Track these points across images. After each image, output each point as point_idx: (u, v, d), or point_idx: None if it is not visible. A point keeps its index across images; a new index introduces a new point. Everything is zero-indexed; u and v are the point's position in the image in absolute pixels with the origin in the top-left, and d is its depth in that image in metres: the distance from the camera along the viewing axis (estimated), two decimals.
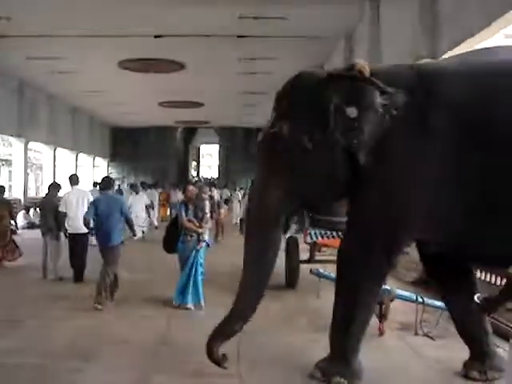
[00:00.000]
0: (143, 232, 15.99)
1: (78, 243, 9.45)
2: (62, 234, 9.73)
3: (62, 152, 26.61)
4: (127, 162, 36.16)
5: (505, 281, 6.68)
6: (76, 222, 9.22)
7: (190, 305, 7.51)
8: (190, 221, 7.66)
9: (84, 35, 14.41)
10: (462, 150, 4.33)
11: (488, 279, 7.58)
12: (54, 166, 25.10)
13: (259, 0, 12.26)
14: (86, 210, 8.66)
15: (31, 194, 22.67)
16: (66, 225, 9.51)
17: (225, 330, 4.62)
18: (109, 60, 17.62)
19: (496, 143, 4.28)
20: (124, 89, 22.31)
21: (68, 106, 26.75)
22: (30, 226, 18.73)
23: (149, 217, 17.77)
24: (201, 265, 7.63)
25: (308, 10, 12.68)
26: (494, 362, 5.01)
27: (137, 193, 16.61)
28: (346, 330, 4.74)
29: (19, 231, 12.07)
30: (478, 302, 6.86)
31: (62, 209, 9.42)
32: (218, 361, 4.52)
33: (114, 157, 36.31)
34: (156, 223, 19.25)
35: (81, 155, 29.44)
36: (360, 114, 4.41)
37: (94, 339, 6.07)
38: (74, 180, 10.04)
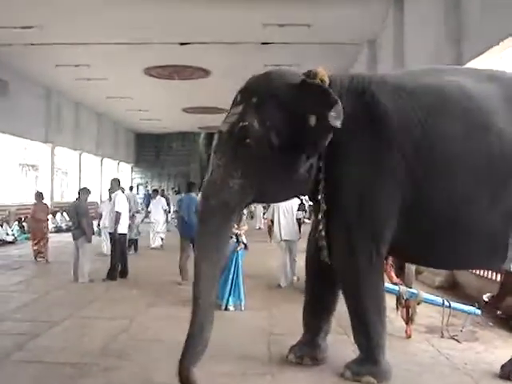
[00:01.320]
0: (162, 239, 15.22)
1: (122, 242, 10.23)
2: (92, 238, 10.06)
3: (87, 157, 26.95)
4: (151, 167, 36.53)
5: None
6: (125, 223, 10.09)
7: (231, 306, 7.65)
8: None
9: (111, 43, 14.73)
10: (398, 156, 4.68)
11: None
12: (80, 171, 25.54)
13: (283, 7, 12.41)
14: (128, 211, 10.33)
15: (56, 198, 22.94)
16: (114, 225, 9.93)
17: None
18: (134, 67, 17.96)
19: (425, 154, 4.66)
20: (149, 95, 22.58)
21: (94, 112, 27.18)
22: (57, 230, 19.03)
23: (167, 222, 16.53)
24: (241, 266, 7.80)
25: (331, 17, 12.84)
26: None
27: (154, 198, 16.29)
28: (365, 328, 4.90)
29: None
30: (487, 300, 7.09)
31: (118, 209, 9.87)
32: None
33: (137, 162, 36.67)
34: None
35: (105, 160, 29.78)
36: (319, 123, 4.53)
37: (127, 339, 6.22)
38: (117, 184, 10.54)
